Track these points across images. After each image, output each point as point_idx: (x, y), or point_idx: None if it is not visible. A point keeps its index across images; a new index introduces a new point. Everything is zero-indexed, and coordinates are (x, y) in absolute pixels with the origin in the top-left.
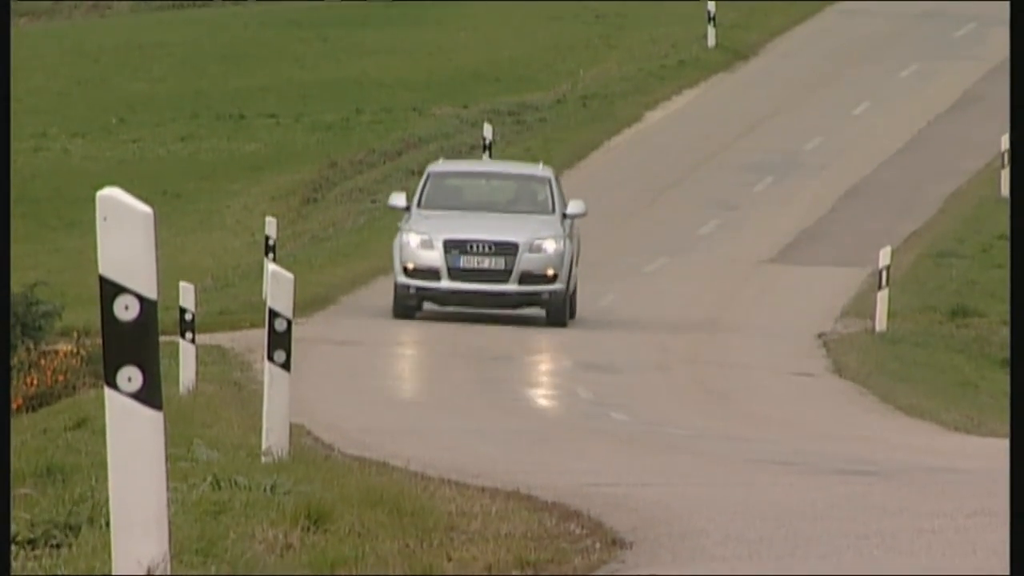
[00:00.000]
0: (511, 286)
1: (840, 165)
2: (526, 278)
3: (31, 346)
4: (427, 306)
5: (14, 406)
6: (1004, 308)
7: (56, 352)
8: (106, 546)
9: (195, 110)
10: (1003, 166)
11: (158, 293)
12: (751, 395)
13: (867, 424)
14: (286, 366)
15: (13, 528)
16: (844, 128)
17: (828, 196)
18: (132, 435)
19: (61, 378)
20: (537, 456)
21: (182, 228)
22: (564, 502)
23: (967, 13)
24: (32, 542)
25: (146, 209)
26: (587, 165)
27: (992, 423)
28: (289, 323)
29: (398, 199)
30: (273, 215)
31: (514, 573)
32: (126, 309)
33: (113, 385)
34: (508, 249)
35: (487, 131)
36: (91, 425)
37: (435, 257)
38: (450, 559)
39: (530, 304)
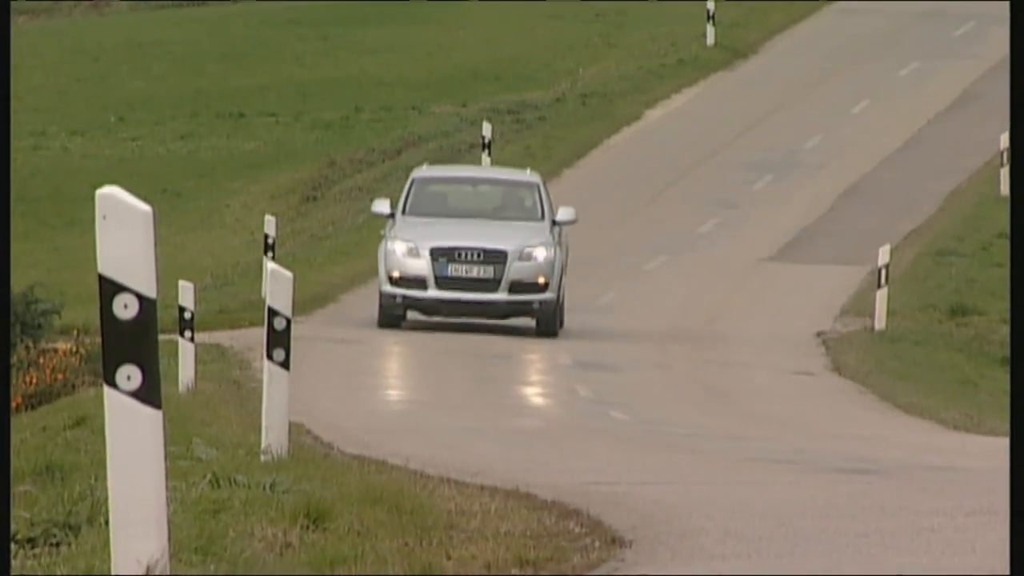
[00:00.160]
0: (500, 295)
1: (839, 163)
2: (516, 287)
3: (30, 344)
4: (410, 315)
5: (13, 404)
6: (1004, 306)
7: (55, 350)
8: (105, 544)
9: (195, 108)
10: (1002, 164)
11: (157, 292)
12: (750, 394)
13: (866, 422)
14: (285, 365)
15: (12, 527)
16: (844, 126)
17: (827, 194)
18: (131, 434)
19: (60, 376)
20: (536, 455)
21: (181, 226)
22: (563, 500)
23: (966, 12)
24: (32, 540)
25: (145, 207)
26: (587, 164)
27: (991, 421)
28: (288, 321)
29: (382, 206)
30: (272, 213)
31: (513, 571)
32: (125, 308)
33: (112, 384)
34: (497, 257)
35: (486, 130)
36: (90, 424)
37: (422, 265)
38: (449, 557)
39: (520, 314)
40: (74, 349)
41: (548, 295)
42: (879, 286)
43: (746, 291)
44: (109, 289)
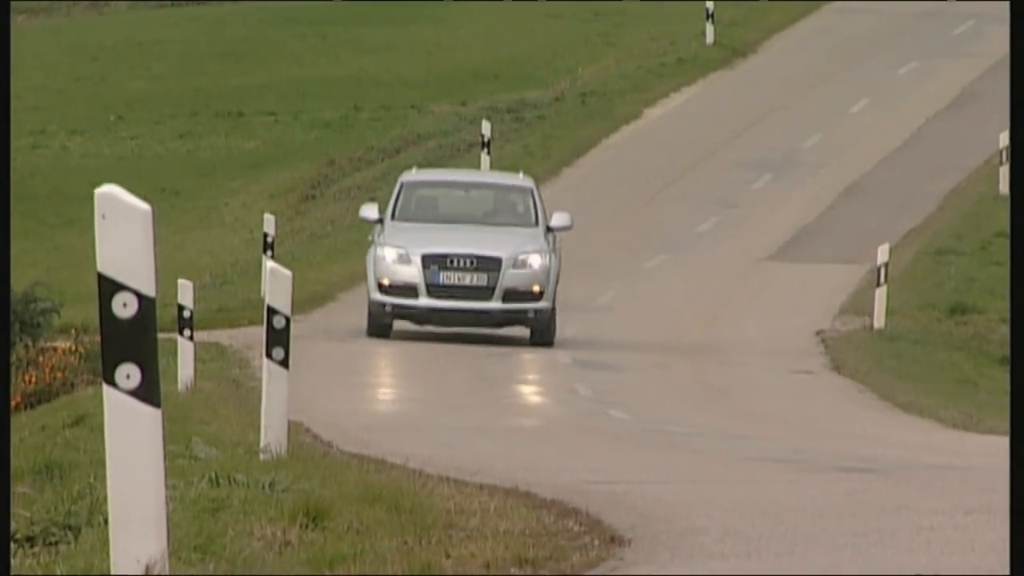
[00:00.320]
0: (494, 304)
1: (839, 162)
2: (510, 295)
3: (30, 343)
4: (398, 325)
5: (12, 403)
6: (1003, 305)
7: (55, 349)
8: (105, 544)
9: (194, 107)
10: (1002, 163)
11: (156, 290)
12: (750, 392)
13: (866, 421)
14: (284, 363)
15: (12, 526)
16: (843, 125)
17: (827, 193)
18: (131, 432)
19: (59, 375)
20: (536, 453)
21: (181, 225)
22: (563, 499)
23: (966, 11)
24: (31, 540)
25: (145, 206)
26: (586, 163)
27: (991, 420)
28: (288, 320)
29: (369, 211)
30: (272, 212)
31: (512, 570)
32: (124, 306)
33: (111, 382)
34: (491, 264)
35: (486, 128)
36: (89, 422)
37: (413, 273)
38: (449, 556)
39: (514, 323)
40: (73, 348)
41: (543, 304)
42: (878, 285)
43: (745, 290)
44: (108, 288)
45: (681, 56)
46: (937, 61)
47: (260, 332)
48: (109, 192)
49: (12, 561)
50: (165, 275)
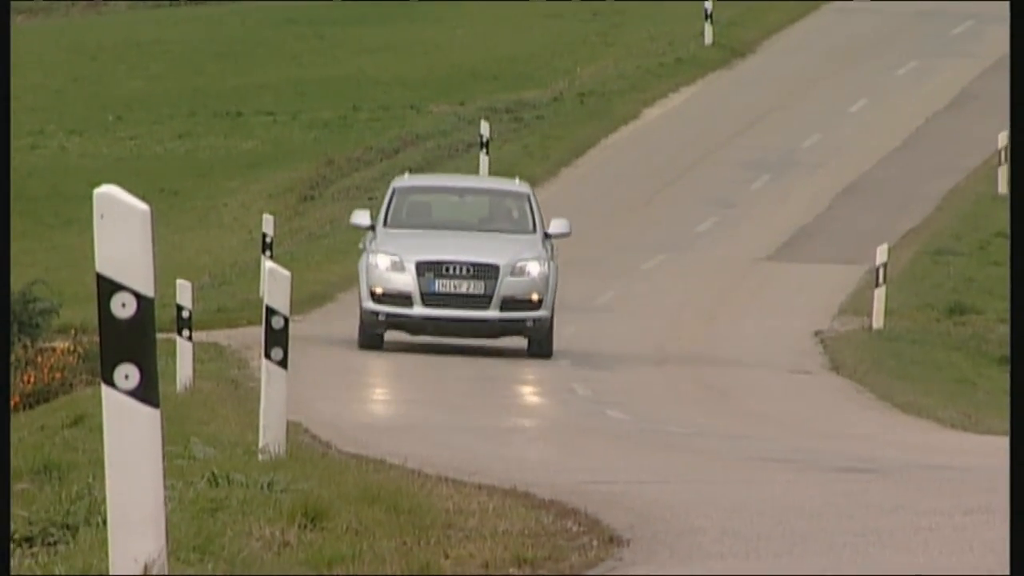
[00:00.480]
0: (492, 312)
1: (837, 162)
2: (508, 304)
3: (28, 343)
4: (390, 336)
5: (11, 403)
6: (1001, 305)
7: (53, 349)
8: (103, 544)
9: (192, 108)
10: (1000, 163)
11: (155, 291)
12: (748, 393)
13: (864, 421)
14: (283, 364)
15: (11, 526)
16: (841, 125)
17: (825, 193)
18: (129, 433)
19: (58, 375)
20: (534, 454)
21: (179, 226)
22: (561, 500)
23: (965, 11)
24: (29, 540)
25: (143, 207)
26: (585, 163)
27: (989, 420)
28: (286, 320)
29: (361, 217)
30: (270, 212)
31: (511, 570)
32: (123, 307)
33: (110, 383)
34: (488, 272)
35: (484, 128)
36: (88, 422)
37: (407, 281)
38: (447, 556)
39: (511, 333)
40: (72, 348)
41: (542, 313)
42: (877, 285)
43: (744, 290)
44: (107, 288)
45: (680, 56)
46: (936, 61)
47: (259, 332)
48: (108, 192)
49: (11, 561)
50: (164, 275)
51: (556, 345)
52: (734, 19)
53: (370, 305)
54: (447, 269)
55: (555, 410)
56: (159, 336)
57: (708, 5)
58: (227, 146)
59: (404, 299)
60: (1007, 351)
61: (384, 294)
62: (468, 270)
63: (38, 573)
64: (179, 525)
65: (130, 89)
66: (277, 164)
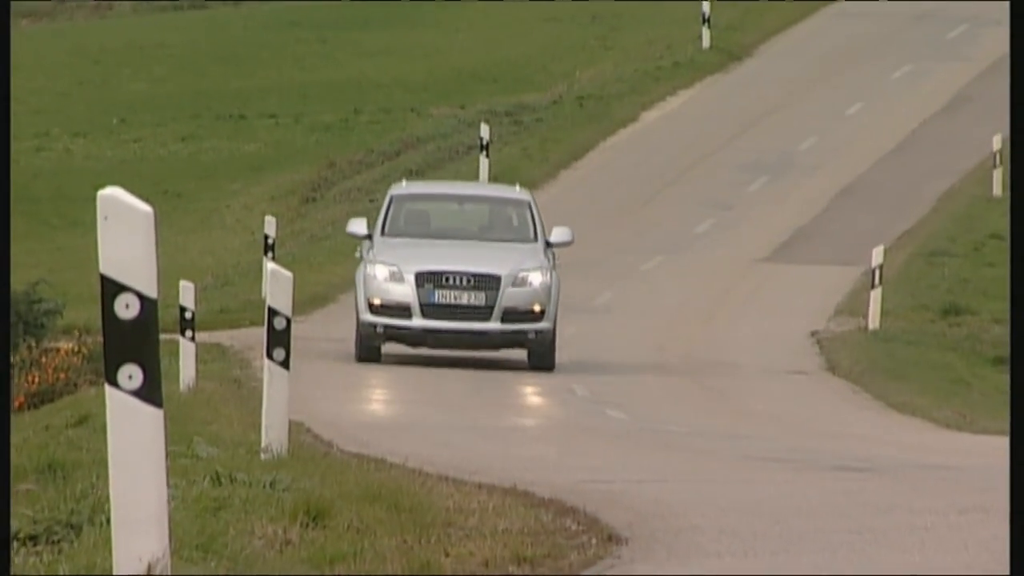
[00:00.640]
0: (493, 324)
1: (834, 165)
2: (509, 315)
3: (33, 344)
4: (388, 348)
5: (16, 404)
6: (996, 306)
7: (58, 350)
8: (107, 542)
9: (195, 110)
10: (995, 166)
11: (158, 292)
12: (746, 393)
13: (860, 421)
14: (285, 364)
15: (15, 525)
16: (838, 128)
17: (822, 195)
18: (133, 432)
19: (63, 376)
20: (534, 453)
21: (182, 227)
22: (561, 498)
23: (960, 15)
24: (34, 538)
25: (147, 208)
26: (584, 165)
27: (984, 420)
28: (288, 321)
29: (357, 226)
30: (273, 214)
31: (511, 568)
32: (127, 307)
33: (114, 383)
34: (489, 282)
35: (484, 131)
36: (92, 422)
37: (406, 291)
38: (448, 555)
39: (513, 345)
40: (76, 348)
41: (544, 324)
42: (873, 286)
43: (741, 291)
44: (111, 289)
45: (678, 60)
46: (931, 65)
47: (261, 333)
48: (111, 194)
49: (15, 559)
50: (167, 276)
51: (555, 344)
52: (731, 23)
53: (368, 317)
54: (447, 280)
55: (554, 410)
56: (162, 336)
57: (705, 9)
58: (230, 148)
59: (403, 310)
60: (1001, 352)
61: (382, 305)
62: (468, 281)
63: (42, 571)
64: (182, 524)
65: (134, 92)
66: (279, 166)
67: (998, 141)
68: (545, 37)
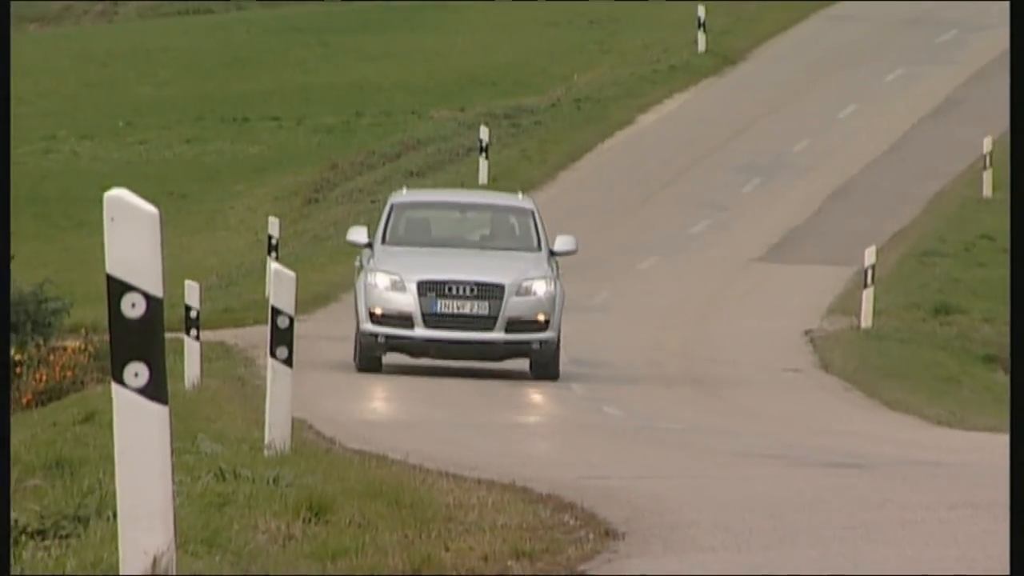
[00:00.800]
0: (496, 334)
1: (827, 166)
2: (513, 325)
3: (40, 342)
4: (389, 358)
5: (24, 401)
6: (986, 306)
7: (65, 348)
8: (113, 537)
9: (200, 113)
10: (985, 168)
11: (164, 291)
12: (740, 390)
13: (853, 419)
14: (288, 362)
15: (24, 519)
16: (831, 131)
17: (815, 197)
18: (138, 429)
19: (69, 373)
20: (532, 449)
21: (187, 228)
22: (558, 494)
23: (949, 20)
24: (42, 533)
25: (152, 209)
26: (581, 167)
27: (974, 418)
28: (291, 320)
29: (358, 234)
30: (276, 215)
31: (510, 563)
32: (133, 307)
33: (120, 380)
34: (493, 292)
35: (484, 133)
36: (99, 419)
37: (408, 301)
38: (448, 549)
39: (517, 355)
40: (83, 347)
41: (548, 334)
42: (865, 286)
43: (736, 290)
44: (117, 289)
45: (674, 63)
46: (922, 69)
47: (264, 332)
48: (118, 195)
49: (23, 554)
50: (172, 276)
51: (559, 355)
52: (726, 27)
53: (369, 326)
54: (450, 289)
55: (553, 407)
56: (168, 335)
57: (701, 14)
58: (234, 151)
59: (405, 320)
60: (991, 350)
61: (384, 315)
62: (472, 290)
63: (51, 564)
64: (187, 519)
65: (140, 95)
66: (282, 168)
67: (988, 143)
68: (543, 41)
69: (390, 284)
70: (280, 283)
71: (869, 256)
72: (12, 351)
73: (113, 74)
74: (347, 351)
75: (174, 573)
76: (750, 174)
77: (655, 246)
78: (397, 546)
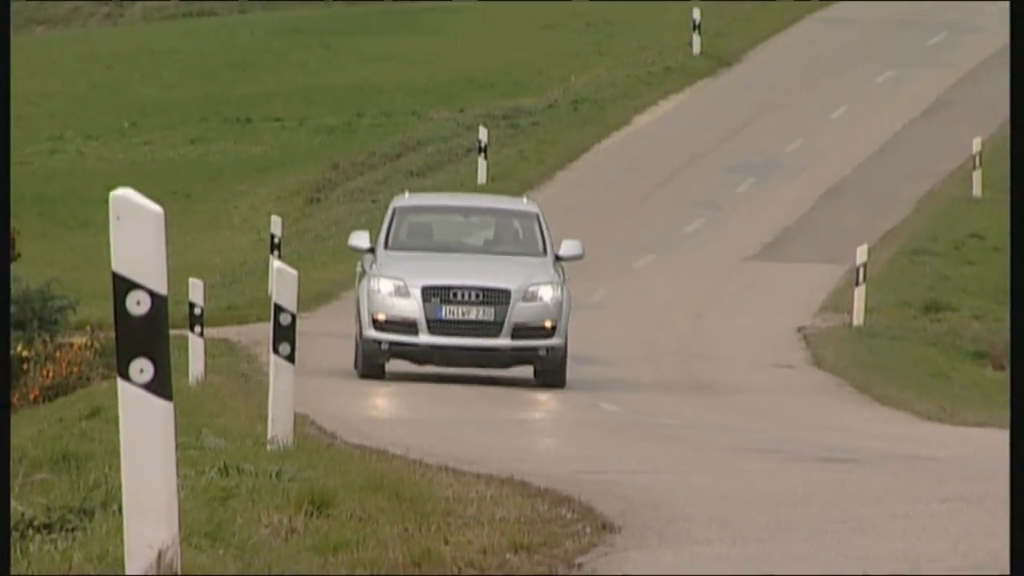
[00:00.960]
0: (502, 340)
1: (819, 166)
2: (520, 331)
3: (47, 339)
4: (392, 365)
5: (31, 396)
6: (975, 303)
7: (71, 345)
8: (119, 530)
9: (204, 114)
10: (974, 168)
11: (168, 289)
12: (735, 386)
13: (845, 414)
14: (291, 358)
15: (30, 513)
16: (823, 131)
17: (808, 196)
18: (143, 424)
19: (76, 370)
20: (530, 444)
21: (191, 227)
22: (556, 488)
23: (940, 22)
24: (48, 526)
25: (157, 209)
26: (578, 167)
27: (964, 413)
28: (293, 317)
29: (360, 239)
30: (278, 214)
31: (508, 556)
32: (138, 304)
33: (125, 376)
34: (499, 297)
35: (482, 134)
36: (104, 415)
37: (412, 307)
38: (447, 542)
39: (523, 362)
40: (89, 343)
41: (555, 341)
42: (857, 284)
43: (730, 288)
44: (122, 286)
45: (669, 65)
46: (912, 70)
47: (267, 329)
48: (123, 195)
49: (30, 546)
50: (176, 274)
51: (566, 361)
52: (721, 30)
53: (372, 333)
54: (455, 294)
55: (550, 403)
56: (172, 332)
57: (696, 16)
58: (237, 151)
59: (409, 326)
60: (981, 347)
61: (387, 321)
62: (477, 295)
63: (57, 558)
64: (191, 512)
65: (144, 96)
66: (285, 168)
67: (978, 144)
68: (541, 43)
69: (394, 289)
70: (282, 281)
71: (861, 254)
72: (20, 348)
73: (118, 76)
74: (348, 347)
75: (178, 566)
76: (744, 174)
77: (651, 245)
78: (397, 539)
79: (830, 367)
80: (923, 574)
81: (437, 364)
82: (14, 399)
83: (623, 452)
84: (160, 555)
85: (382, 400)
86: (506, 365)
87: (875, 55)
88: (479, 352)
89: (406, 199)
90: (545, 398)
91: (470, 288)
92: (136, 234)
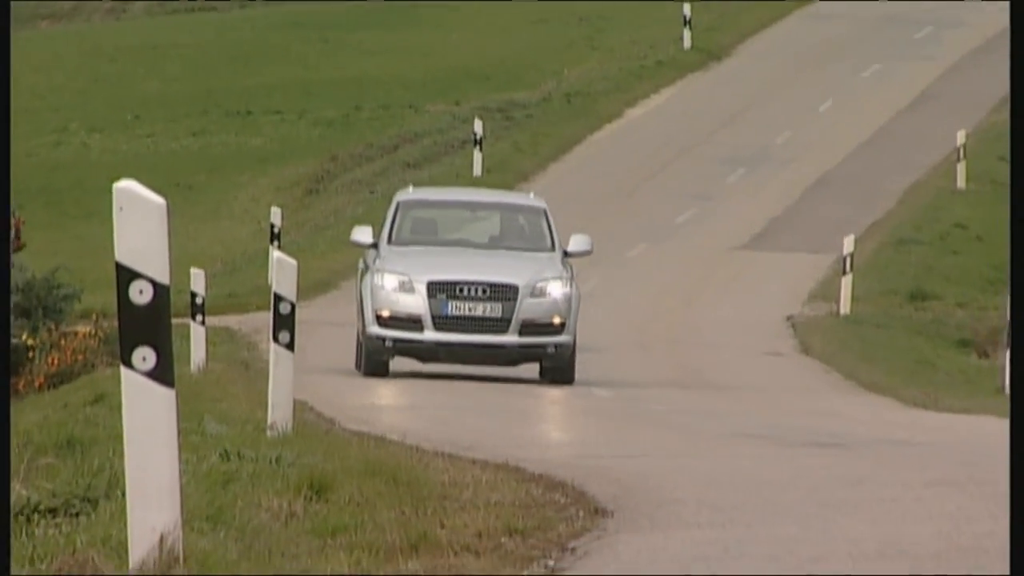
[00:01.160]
0: (510, 337)
1: (807, 158)
2: (528, 328)
3: (52, 327)
4: (396, 363)
5: (36, 384)
6: (959, 292)
7: (76, 333)
8: (122, 514)
9: (205, 107)
10: (959, 160)
11: (170, 278)
12: (725, 373)
13: (832, 400)
14: (290, 346)
15: (36, 497)
16: (811, 124)
17: (796, 187)
18: (146, 411)
19: (80, 357)
20: (525, 430)
21: (193, 217)
22: (550, 473)
23: (925, 17)
24: (53, 511)
25: (160, 200)
26: (571, 158)
27: (948, 399)
28: (293, 306)
29: (362, 234)
30: (278, 205)
31: (503, 539)
32: (141, 293)
33: (129, 364)
34: (506, 293)
35: (478, 127)
36: (108, 401)
37: (417, 303)
38: (443, 526)
39: (531, 359)
40: (93, 332)
41: (564, 337)
42: (844, 273)
43: (720, 277)
44: (126, 276)
45: (660, 59)
46: (898, 64)
47: (267, 317)
48: (126, 186)
49: (36, 530)
50: (178, 264)
51: (575, 359)
52: (711, 24)
53: (375, 330)
54: (461, 290)
55: (545, 390)
56: (174, 321)
57: (687, 11)
58: (238, 143)
59: (414, 323)
60: (965, 335)
61: (391, 317)
62: (484, 291)
63: (62, 541)
64: (193, 497)
65: (147, 89)
66: (284, 160)
67: (962, 136)
68: (535, 37)
69: (398, 285)
70: (282, 270)
71: (848, 244)
72: (25, 336)
73: (122, 69)
74: (347, 335)
75: (180, 549)
76: (734, 165)
77: (642, 235)
78: (394, 523)
79: (818, 354)
80: (923, 574)
81: (443, 361)
82: (20, 386)
83: (615, 437)
84: (163, 538)
85: (380, 387)
86: (514, 362)
87: (861, 49)
88: (486, 349)
89: (410, 193)
90: (540, 385)
91: (477, 284)
92: (139, 225)
